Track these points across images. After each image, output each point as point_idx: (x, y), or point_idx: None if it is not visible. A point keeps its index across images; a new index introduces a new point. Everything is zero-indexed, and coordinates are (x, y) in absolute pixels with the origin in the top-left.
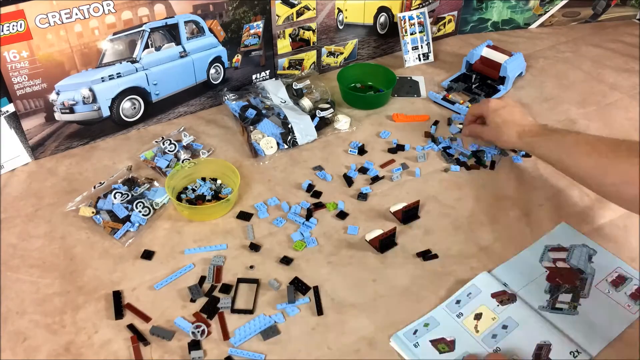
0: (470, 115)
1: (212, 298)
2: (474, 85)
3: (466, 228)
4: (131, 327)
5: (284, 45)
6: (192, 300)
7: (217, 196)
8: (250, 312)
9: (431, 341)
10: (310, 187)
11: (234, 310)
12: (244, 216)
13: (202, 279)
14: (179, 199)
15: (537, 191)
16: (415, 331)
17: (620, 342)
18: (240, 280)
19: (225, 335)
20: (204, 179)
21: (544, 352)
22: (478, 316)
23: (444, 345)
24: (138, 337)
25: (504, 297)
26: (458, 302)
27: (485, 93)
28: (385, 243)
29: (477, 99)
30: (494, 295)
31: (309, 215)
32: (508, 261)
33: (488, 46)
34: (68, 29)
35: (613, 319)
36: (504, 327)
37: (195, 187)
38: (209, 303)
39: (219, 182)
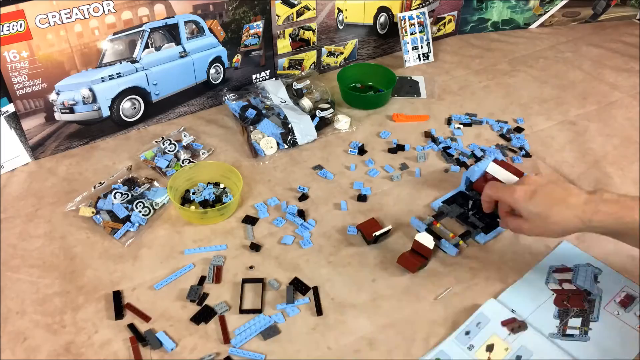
0: (489, 198)
1: (205, 307)
2: (471, 213)
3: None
4: (131, 327)
5: (284, 45)
6: (192, 301)
7: (219, 200)
8: (259, 311)
9: None
10: (304, 196)
11: (242, 311)
12: (250, 220)
13: (202, 279)
14: (180, 200)
15: None
16: None
17: None
18: (245, 281)
19: (226, 339)
20: (207, 183)
21: None
22: (490, 347)
23: None
24: (137, 338)
25: (515, 325)
26: (467, 333)
27: (484, 225)
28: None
29: (472, 234)
30: (504, 324)
31: (300, 215)
32: (513, 285)
33: (495, 161)
34: (68, 29)
35: (625, 343)
36: (518, 357)
37: (197, 190)
38: (202, 311)
39: (222, 185)
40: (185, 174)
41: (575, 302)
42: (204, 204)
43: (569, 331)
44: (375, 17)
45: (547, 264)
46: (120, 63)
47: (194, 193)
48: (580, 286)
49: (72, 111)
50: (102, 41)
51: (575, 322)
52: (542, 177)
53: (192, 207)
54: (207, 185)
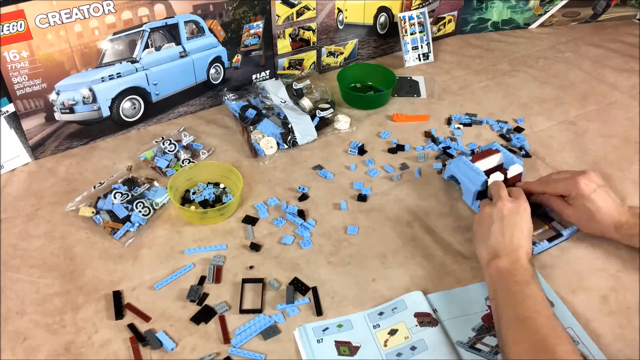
0: (553, 189)
1: (205, 307)
2: None
3: (465, 228)
4: (131, 327)
5: (284, 45)
6: (192, 301)
7: (219, 200)
8: (259, 311)
9: (336, 341)
10: (304, 196)
11: (242, 311)
12: (250, 220)
13: (202, 279)
14: (180, 200)
15: None
16: (326, 329)
17: None
18: (245, 281)
19: (226, 339)
20: (207, 183)
21: None
22: (393, 332)
23: (346, 348)
24: (137, 338)
25: (426, 319)
26: (381, 313)
27: None
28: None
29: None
30: (416, 315)
31: (300, 215)
32: (449, 290)
33: (473, 160)
34: (68, 29)
35: None
36: (413, 348)
37: (197, 190)
38: (202, 311)
39: (222, 185)
40: (185, 174)
41: None
42: (204, 204)
43: (478, 345)
44: (375, 17)
45: None
46: (120, 63)
47: (194, 193)
48: None
49: (72, 111)
50: (102, 41)
51: (491, 340)
52: (601, 181)
53: (192, 207)
54: (207, 185)
